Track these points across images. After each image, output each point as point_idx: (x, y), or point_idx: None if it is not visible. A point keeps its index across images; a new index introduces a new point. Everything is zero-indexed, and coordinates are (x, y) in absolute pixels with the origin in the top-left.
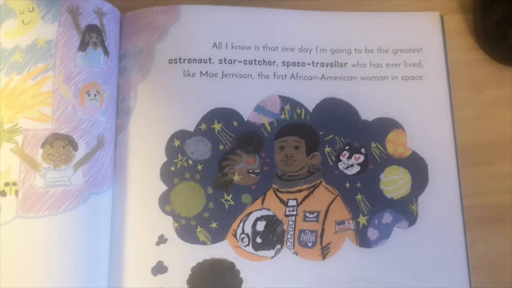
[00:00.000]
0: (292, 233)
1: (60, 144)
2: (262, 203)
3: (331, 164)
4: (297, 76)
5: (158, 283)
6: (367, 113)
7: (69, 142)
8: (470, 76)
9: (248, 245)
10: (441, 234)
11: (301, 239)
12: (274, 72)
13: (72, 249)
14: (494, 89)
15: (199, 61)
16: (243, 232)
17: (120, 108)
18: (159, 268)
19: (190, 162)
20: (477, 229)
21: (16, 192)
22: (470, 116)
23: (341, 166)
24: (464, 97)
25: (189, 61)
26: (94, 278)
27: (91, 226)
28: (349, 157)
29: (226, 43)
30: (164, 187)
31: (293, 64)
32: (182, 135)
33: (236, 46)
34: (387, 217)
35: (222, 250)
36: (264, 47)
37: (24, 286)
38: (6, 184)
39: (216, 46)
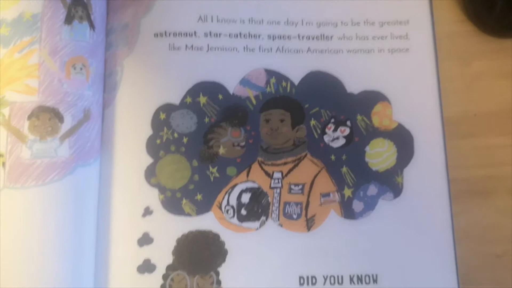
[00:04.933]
0: (277, 205)
1: (46, 116)
2: (247, 175)
3: (317, 137)
4: (282, 49)
5: (144, 253)
6: (353, 86)
7: (55, 115)
8: (457, 48)
9: (233, 217)
10: (427, 206)
11: (286, 211)
12: (260, 46)
13: (59, 220)
14: (482, 61)
15: (185, 34)
16: (228, 204)
17: (107, 83)
18: (145, 239)
19: (176, 135)
20: (463, 201)
21: (3, 164)
22: (457, 88)
23: (326, 138)
24: (451, 69)
25: (175, 34)
26: (80, 248)
27: (78, 198)
28: (335, 130)
29: (212, 16)
30: (150, 160)
31: (279, 37)
32: (167, 109)
33: (222, 20)
34: (372, 189)
35: (207, 222)
36: (249, 20)
37: (11, 255)
38: None
39: (201, 19)
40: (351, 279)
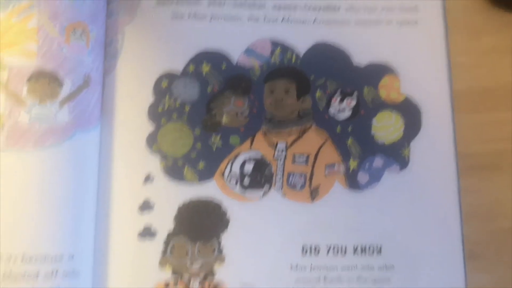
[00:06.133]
0: (281, 175)
1: (45, 81)
2: (251, 145)
3: (322, 109)
4: (288, 19)
5: (145, 220)
6: (360, 58)
7: (54, 79)
8: (468, 21)
9: (235, 186)
10: (433, 179)
11: (290, 181)
12: (265, 16)
13: (58, 185)
14: (493, 35)
15: (188, 2)
16: (230, 173)
17: (107, 51)
18: (146, 206)
19: (178, 103)
20: (471, 176)
21: (2, 127)
22: (467, 62)
23: (332, 110)
24: (461, 43)
25: (177, 2)
26: (80, 214)
27: (78, 163)
28: (341, 102)
29: None
30: (151, 127)
31: (284, 7)
32: (169, 77)
33: None
34: (378, 161)
35: (209, 190)
36: None
37: (10, 217)
38: None
39: None
40: (355, 250)
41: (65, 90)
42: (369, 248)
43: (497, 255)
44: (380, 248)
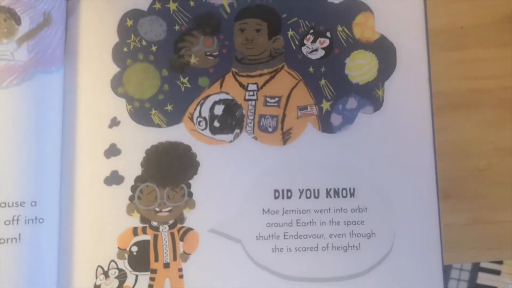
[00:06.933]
0: (252, 117)
1: (1, 17)
2: (221, 86)
3: (294, 48)
4: None
5: (112, 165)
6: None
7: (11, 15)
8: None
9: (205, 128)
10: (408, 119)
11: (261, 124)
12: None
13: (19, 128)
14: None
15: None
16: (200, 115)
17: None
18: (112, 151)
19: (144, 42)
20: (446, 114)
21: None
22: None
23: (304, 50)
24: None
25: None
26: (43, 159)
27: (39, 105)
28: (314, 41)
29: None
30: (116, 69)
31: None
32: (135, 15)
33: None
34: (351, 102)
35: (178, 133)
36: None
37: None
38: None
39: None
40: (328, 193)
41: (24, 28)
42: (343, 190)
43: (472, 195)
44: (354, 191)
